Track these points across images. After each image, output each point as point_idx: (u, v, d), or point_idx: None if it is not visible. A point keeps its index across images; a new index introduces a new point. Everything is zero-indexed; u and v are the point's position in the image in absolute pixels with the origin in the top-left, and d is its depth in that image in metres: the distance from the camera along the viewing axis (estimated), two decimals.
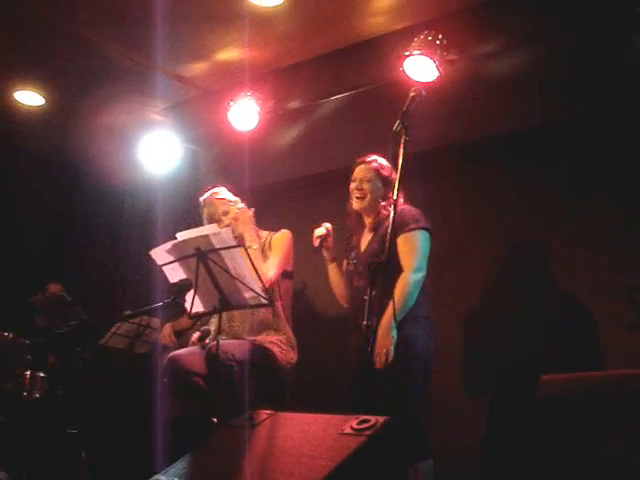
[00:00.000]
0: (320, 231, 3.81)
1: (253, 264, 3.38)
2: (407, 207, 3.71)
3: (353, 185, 3.84)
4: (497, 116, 4.37)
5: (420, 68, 4.16)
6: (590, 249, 3.99)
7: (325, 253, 3.88)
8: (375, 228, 3.77)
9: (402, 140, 3.28)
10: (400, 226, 3.56)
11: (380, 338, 3.38)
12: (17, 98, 5.53)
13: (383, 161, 3.68)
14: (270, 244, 4.16)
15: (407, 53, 4.13)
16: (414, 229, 3.60)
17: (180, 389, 3.95)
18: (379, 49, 4.56)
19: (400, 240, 3.57)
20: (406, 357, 3.44)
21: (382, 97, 4.57)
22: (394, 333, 3.41)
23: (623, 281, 3.66)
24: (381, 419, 2.36)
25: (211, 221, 4.11)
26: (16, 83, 5.39)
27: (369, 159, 3.81)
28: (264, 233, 4.26)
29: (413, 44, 4.13)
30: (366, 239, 3.83)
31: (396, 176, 3.65)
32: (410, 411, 3.37)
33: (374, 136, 4.50)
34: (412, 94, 3.37)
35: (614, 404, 2.82)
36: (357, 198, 3.81)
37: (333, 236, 3.85)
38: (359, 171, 3.84)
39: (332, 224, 3.87)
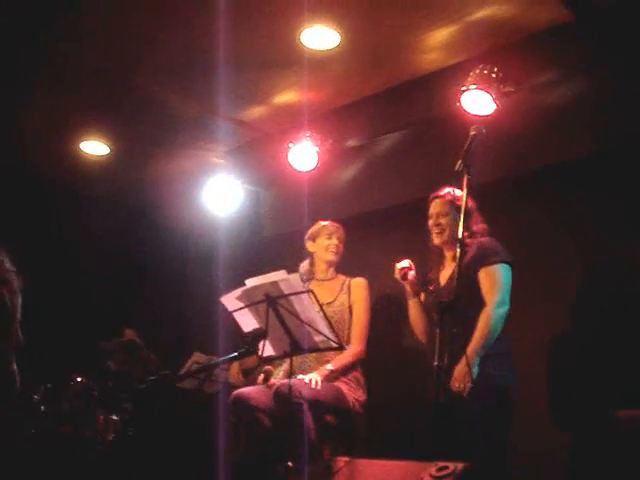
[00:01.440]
0: (403, 264, 3.85)
1: (322, 309, 3.45)
2: (487, 239, 3.73)
3: (431, 222, 3.88)
4: (554, 146, 4.34)
5: (477, 102, 4.19)
6: None
7: (408, 287, 3.89)
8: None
9: (465, 179, 3.32)
10: (481, 259, 3.62)
11: (458, 374, 3.39)
12: (83, 148, 5.70)
13: (457, 192, 3.65)
14: (350, 290, 4.29)
15: (464, 88, 4.17)
16: (495, 262, 3.61)
17: (245, 425, 3.99)
18: (435, 84, 4.59)
19: (481, 274, 3.61)
20: (488, 395, 3.43)
21: (440, 132, 4.60)
22: (475, 369, 3.41)
23: None
24: (460, 465, 2.36)
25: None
26: (81, 134, 5.56)
27: (442, 192, 3.84)
28: (341, 277, 4.42)
29: (469, 78, 4.18)
30: (447, 273, 3.83)
31: (472, 204, 3.73)
32: (491, 453, 3.35)
33: (434, 170, 4.54)
34: (472, 133, 3.41)
35: None
36: (437, 234, 3.85)
37: (414, 270, 3.87)
38: (434, 206, 3.88)
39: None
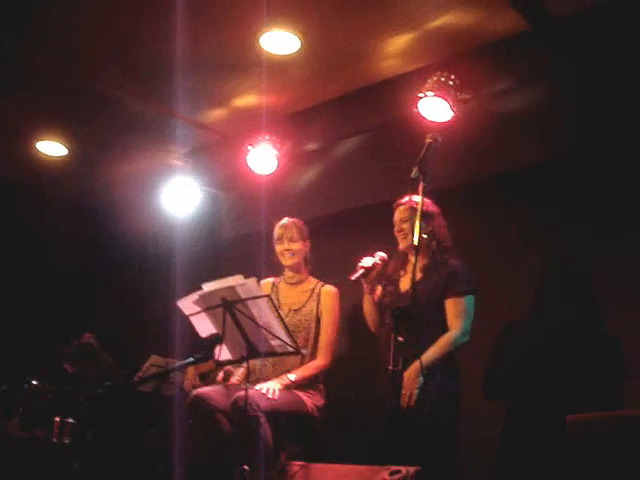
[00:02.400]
0: (366, 262, 3.83)
1: (279, 313, 3.46)
2: (458, 264, 3.81)
3: (395, 228, 3.93)
4: (510, 154, 4.42)
5: (434, 109, 4.25)
6: (611, 286, 4.00)
7: (365, 284, 3.91)
8: (425, 270, 3.81)
9: (420, 186, 3.37)
10: (451, 286, 3.72)
11: (406, 380, 3.45)
12: (39, 148, 5.65)
13: (417, 198, 3.59)
14: (319, 298, 4.24)
15: (421, 94, 4.23)
16: (465, 293, 3.72)
17: (203, 426, 3.97)
18: (393, 90, 4.64)
19: (451, 302, 3.72)
20: (430, 400, 3.50)
21: (397, 137, 4.64)
22: (421, 378, 3.49)
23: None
24: (411, 469, 2.41)
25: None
26: (38, 133, 5.51)
27: (403, 200, 3.89)
28: (312, 281, 4.35)
29: (426, 85, 4.23)
30: (408, 279, 3.85)
31: (435, 209, 3.79)
32: (441, 457, 3.42)
33: (391, 175, 4.60)
34: (428, 141, 3.46)
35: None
36: (401, 239, 3.90)
37: (380, 269, 3.88)
38: (398, 213, 3.93)
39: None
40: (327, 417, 4.09)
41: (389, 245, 4.01)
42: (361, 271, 3.81)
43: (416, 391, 3.47)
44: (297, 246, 4.30)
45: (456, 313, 3.69)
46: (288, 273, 4.38)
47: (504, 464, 4.15)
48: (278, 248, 4.33)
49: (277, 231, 4.34)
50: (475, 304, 3.75)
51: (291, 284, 4.36)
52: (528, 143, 4.37)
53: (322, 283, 4.31)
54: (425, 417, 3.48)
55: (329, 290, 4.27)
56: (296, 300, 4.27)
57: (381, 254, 3.91)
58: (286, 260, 4.31)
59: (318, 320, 4.19)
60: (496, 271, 4.38)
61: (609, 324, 3.99)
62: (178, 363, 3.22)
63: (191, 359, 3.08)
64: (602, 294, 4.04)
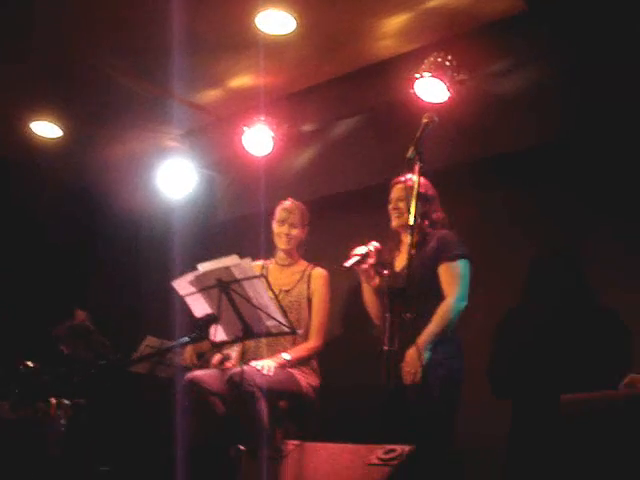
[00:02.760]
0: (360, 250, 3.80)
1: (274, 294, 3.46)
2: (447, 232, 3.79)
3: (390, 206, 3.91)
4: (508, 134, 4.41)
5: (431, 89, 4.23)
6: (602, 268, 4.01)
7: (360, 273, 3.88)
8: (417, 247, 3.73)
9: (417, 167, 3.35)
10: (442, 253, 3.69)
11: (410, 359, 3.45)
12: (34, 129, 5.61)
13: (415, 178, 3.56)
14: (309, 280, 4.24)
15: (418, 75, 4.21)
16: (457, 258, 3.68)
17: (198, 409, 3.98)
18: (389, 71, 4.61)
19: (442, 268, 3.68)
20: (435, 380, 3.50)
21: (394, 118, 4.61)
22: (427, 355, 3.49)
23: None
24: (406, 448, 2.41)
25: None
26: (32, 114, 5.46)
27: (403, 179, 3.84)
28: (303, 263, 4.36)
29: (423, 66, 4.21)
30: (403, 258, 3.83)
31: (432, 193, 3.78)
32: (440, 436, 3.43)
33: (387, 156, 4.58)
34: (425, 121, 3.44)
35: (632, 423, 2.85)
36: (395, 217, 3.88)
37: (374, 257, 3.85)
38: (394, 192, 3.91)
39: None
40: (323, 398, 4.10)
41: (385, 227, 4.01)
42: (355, 258, 3.78)
43: (420, 369, 3.45)
44: (296, 232, 4.32)
45: (450, 279, 3.66)
46: (280, 255, 4.39)
47: (505, 447, 4.17)
48: (277, 229, 4.34)
49: (280, 213, 4.35)
50: (470, 269, 3.71)
51: (282, 266, 4.37)
52: (525, 125, 4.37)
53: (312, 265, 4.32)
54: (430, 398, 3.47)
55: (319, 272, 4.28)
56: (286, 281, 4.28)
57: (375, 244, 3.87)
58: (283, 243, 4.32)
59: (309, 301, 4.21)
60: (492, 253, 4.38)
61: (607, 305, 3.98)
62: (173, 342, 3.20)
63: (186, 338, 3.07)
64: (597, 274, 4.04)
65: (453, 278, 3.66)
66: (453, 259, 3.68)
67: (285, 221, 4.31)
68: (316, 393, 4.09)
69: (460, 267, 3.69)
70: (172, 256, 5.17)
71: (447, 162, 4.49)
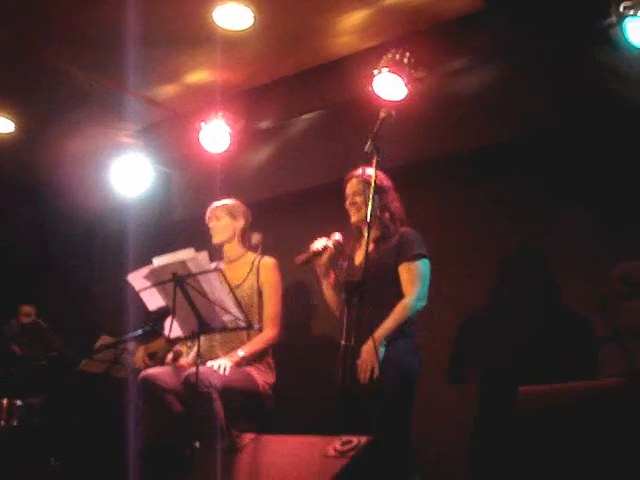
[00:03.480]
0: (317, 245, 3.77)
1: (231, 288, 3.41)
2: (409, 230, 3.77)
3: (347, 201, 3.87)
4: (466, 132, 4.43)
5: (389, 86, 4.22)
6: (565, 261, 4.05)
7: (317, 268, 3.85)
8: (377, 242, 3.75)
9: (374, 160, 3.34)
10: (403, 252, 3.67)
11: (365, 355, 3.43)
12: None
13: (370, 171, 3.53)
14: (259, 271, 4.19)
15: (376, 72, 4.20)
16: (417, 257, 3.66)
17: (153, 406, 3.92)
18: (348, 68, 4.60)
19: (403, 268, 3.67)
20: (391, 375, 3.47)
21: (352, 115, 4.60)
22: (382, 350, 3.46)
23: (597, 292, 3.73)
24: (363, 439, 2.38)
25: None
26: None
27: (357, 173, 3.82)
28: (250, 255, 4.30)
29: (381, 62, 4.20)
30: (362, 253, 3.81)
31: (387, 184, 3.76)
32: (394, 429, 3.42)
33: (345, 153, 4.57)
34: (382, 115, 3.44)
35: (589, 415, 2.87)
36: (353, 213, 3.84)
37: (333, 252, 3.80)
38: (349, 187, 3.87)
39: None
40: (279, 393, 4.07)
41: (344, 224, 3.99)
42: (308, 255, 3.75)
43: (377, 364, 3.43)
44: (222, 224, 4.28)
45: (410, 279, 3.64)
46: (225, 251, 4.34)
47: (465, 441, 4.18)
48: (209, 228, 4.34)
49: (207, 215, 4.35)
50: (430, 270, 3.70)
51: (231, 262, 4.31)
52: (483, 122, 4.39)
53: (261, 256, 4.27)
54: (382, 395, 3.46)
55: (268, 262, 4.22)
56: (236, 275, 4.19)
57: (336, 237, 3.83)
58: (213, 238, 4.31)
59: (260, 294, 4.15)
60: (450, 249, 4.40)
61: (575, 298, 4.02)
62: (127, 335, 3.14)
63: (139, 331, 3.01)
64: (565, 269, 4.08)
65: (413, 278, 3.64)
66: (413, 259, 3.67)
67: (211, 219, 4.32)
68: (272, 390, 4.05)
69: (420, 267, 3.68)
70: (127, 255, 5.09)
71: (405, 159, 4.50)
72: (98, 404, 5.13)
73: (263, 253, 4.33)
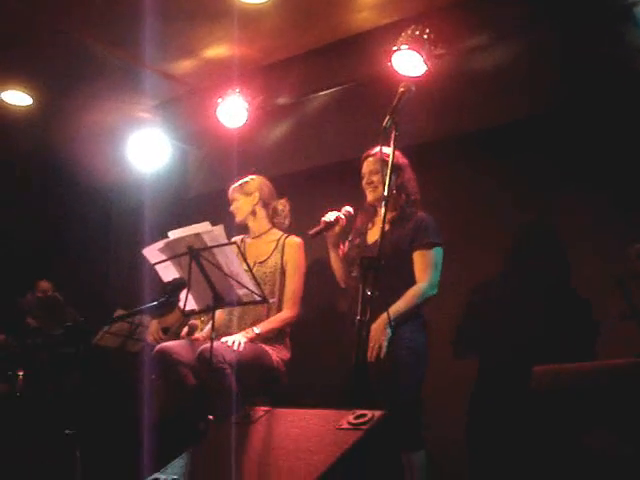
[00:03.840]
0: (329, 217, 3.77)
1: (247, 261, 3.40)
2: (425, 216, 3.77)
3: (364, 180, 3.88)
4: (484, 110, 4.39)
5: (408, 63, 4.17)
6: (579, 240, 4.02)
7: (328, 239, 3.85)
8: (393, 223, 3.75)
9: (392, 136, 3.31)
10: (418, 238, 3.68)
11: (374, 332, 3.43)
12: (4, 98, 5.49)
13: (388, 150, 3.46)
14: (283, 249, 4.20)
15: (395, 48, 4.15)
16: (432, 246, 3.68)
17: (168, 379, 3.93)
18: (367, 44, 4.56)
19: (417, 254, 3.69)
20: (400, 353, 3.50)
21: (370, 91, 4.57)
22: (389, 330, 3.46)
23: (612, 271, 3.70)
24: (377, 413, 2.38)
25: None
26: (2, 83, 5.34)
27: (373, 151, 3.82)
28: (277, 232, 4.32)
29: (400, 39, 4.15)
30: (376, 231, 3.80)
31: (404, 161, 3.75)
32: (404, 405, 3.43)
33: (364, 130, 4.52)
34: (401, 90, 3.39)
35: (605, 395, 2.85)
36: (370, 191, 3.86)
37: (344, 224, 3.82)
38: (366, 166, 3.88)
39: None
40: (294, 369, 4.07)
41: (361, 201, 3.98)
42: (320, 227, 3.76)
43: (385, 343, 3.45)
44: (239, 204, 4.33)
45: (424, 266, 3.67)
46: (251, 227, 4.37)
47: (472, 419, 4.18)
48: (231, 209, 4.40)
49: (228, 194, 4.40)
50: (443, 257, 3.72)
51: (256, 237, 4.34)
52: (503, 100, 4.35)
53: (286, 234, 4.29)
54: (393, 372, 3.47)
55: (293, 241, 4.23)
56: (261, 252, 4.23)
57: (348, 208, 3.86)
58: (236, 217, 4.35)
59: (283, 272, 4.16)
60: (468, 228, 4.38)
61: (588, 279, 3.99)
62: (143, 306, 3.14)
63: (155, 303, 3.01)
64: (576, 248, 4.05)
65: (427, 266, 3.67)
66: (429, 247, 3.69)
67: (230, 202, 4.37)
68: (286, 366, 4.06)
69: (434, 255, 3.70)
70: (143, 230, 5.09)
71: (422, 138, 4.47)
72: (113, 378, 5.17)
73: (275, 226, 4.36)
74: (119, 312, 4.92)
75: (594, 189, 4.00)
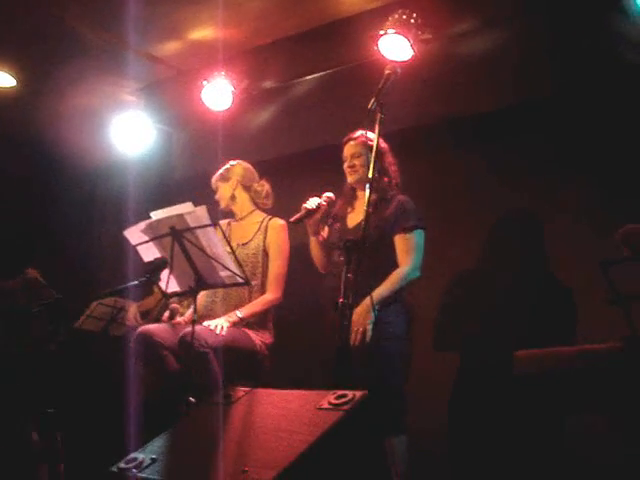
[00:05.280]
0: (310, 204, 3.76)
1: (230, 244, 3.38)
2: (406, 199, 3.76)
3: (345, 164, 3.88)
4: (472, 95, 4.37)
5: (395, 47, 4.17)
6: (566, 224, 4.03)
7: (308, 226, 3.85)
8: (374, 206, 3.68)
9: (378, 118, 3.30)
10: (400, 222, 3.68)
11: (357, 316, 3.42)
12: None
13: (370, 134, 3.55)
14: (266, 231, 4.19)
15: (382, 32, 4.14)
16: (414, 228, 3.68)
17: (150, 362, 3.93)
18: (354, 28, 4.52)
19: (399, 238, 3.69)
20: (382, 338, 3.50)
21: (357, 76, 4.54)
22: (373, 314, 3.45)
23: (599, 256, 3.70)
24: (358, 393, 2.38)
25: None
26: None
27: (355, 135, 3.83)
28: (260, 214, 4.32)
29: (387, 23, 4.14)
30: (356, 216, 3.82)
31: (385, 146, 3.74)
32: (386, 389, 3.43)
33: (349, 115, 4.45)
34: (387, 72, 3.40)
35: (586, 379, 2.86)
36: (350, 174, 3.85)
37: (325, 210, 3.82)
38: (348, 149, 3.87)
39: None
40: (276, 353, 4.06)
41: (342, 186, 3.97)
42: (302, 213, 3.75)
43: (370, 327, 3.44)
44: (220, 192, 4.38)
45: (406, 249, 3.66)
46: (235, 212, 4.41)
47: (454, 406, 4.19)
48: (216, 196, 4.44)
49: (212, 181, 4.46)
50: (425, 239, 3.72)
51: (239, 219, 4.37)
52: (490, 86, 4.34)
53: (270, 217, 4.29)
54: (374, 357, 3.47)
55: (276, 223, 4.23)
56: (244, 234, 4.24)
57: (328, 194, 3.85)
58: (221, 204, 4.40)
59: (266, 254, 4.15)
60: (456, 213, 4.37)
61: (576, 264, 3.97)
62: (120, 286, 3.11)
63: (135, 282, 2.98)
64: (563, 232, 4.05)
65: (409, 248, 3.67)
66: (410, 229, 3.69)
67: (215, 191, 4.42)
68: (269, 350, 4.05)
69: (416, 238, 3.70)
70: (127, 213, 5.05)
71: (408, 122, 4.45)
72: (95, 361, 5.14)
73: (258, 208, 4.37)
74: (102, 292, 4.87)
75: (581, 174, 4.01)
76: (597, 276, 3.49)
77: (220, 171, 4.40)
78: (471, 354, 4.24)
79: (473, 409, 4.10)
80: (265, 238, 4.17)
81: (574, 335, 3.83)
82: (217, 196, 4.39)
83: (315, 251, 3.95)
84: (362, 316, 3.46)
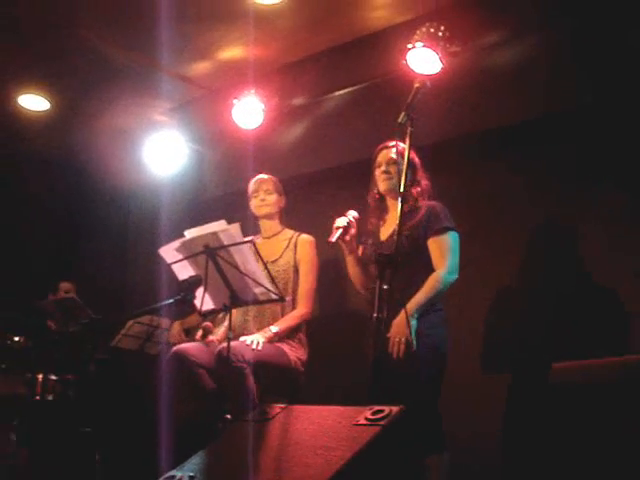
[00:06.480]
0: (342, 222, 3.66)
1: (262, 260, 3.39)
2: (436, 204, 3.71)
3: (379, 170, 3.81)
4: (500, 108, 4.35)
5: (423, 61, 4.17)
6: (599, 234, 3.97)
7: (344, 245, 3.77)
8: (405, 215, 3.66)
9: (407, 132, 3.29)
10: (431, 226, 3.62)
11: (397, 328, 3.39)
12: (21, 103, 5.53)
13: (403, 145, 3.45)
14: (296, 247, 4.19)
15: (410, 46, 4.14)
16: (446, 231, 3.62)
17: (185, 381, 3.92)
18: (382, 43, 4.56)
19: (432, 242, 3.62)
20: (422, 349, 3.43)
21: (386, 90, 4.56)
22: (414, 322, 3.43)
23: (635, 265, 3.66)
24: (395, 409, 2.36)
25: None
26: (20, 87, 5.38)
27: (391, 144, 3.76)
28: (288, 232, 4.31)
29: (416, 37, 4.14)
30: (388, 228, 3.78)
31: (418, 161, 3.72)
32: (425, 403, 3.38)
33: (379, 130, 4.48)
34: (416, 85, 3.38)
35: (625, 391, 2.81)
36: (384, 180, 3.78)
37: (356, 226, 3.73)
38: (383, 155, 3.81)
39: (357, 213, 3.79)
40: (312, 369, 4.05)
41: (365, 205, 3.94)
42: (339, 232, 3.66)
43: (412, 337, 3.40)
44: (272, 198, 4.29)
45: (440, 252, 3.59)
46: (264, 226, 4.35)
47: (493, 417, 4.14)
48: (253, 202, 4.32)
49: (252, 186, 4.34)
50: (459, 242, 3.65)
51: (267, 238, 4.32)
52: (518, 98, 4.30)
53: (298, 233, 4.28)
54: (410, 369, 3.43)
55: (306, 239, 4.22)
56: (272, 252, 4.20)
57: (353, 213, 3.75)
58: (261, 210, 4.29)
59: (296, 270, 4.15)
60: (486, 226, 4.34)
61: (608, 273, 3.93)
62: (156, 304, 3.14)
63: (171, 300, 3.01)
64: (596, 242, 4.01)
65: (443, 251, 3.60)
66: (443, 232, 3.62)
67: (258, 190, 4.30)
68: (304, 366, 4.05)
69: (450, 240, 3.62)
70: (160, 233, 5.10)
71: (438, 136, 4.43)
72: (131, 380, 5.17)
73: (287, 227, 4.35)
74: (137, 312, 4.92)
75: (612, 185, 3.95)
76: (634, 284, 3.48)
77: (272, 177, 4.33)
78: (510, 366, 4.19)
79: (518, 422, 4.03)
80: (295, 254, 4.17)
81: (614, 346, 3.77)
82: (263, 198, 4.26)
83: (352, 270, 3.87)
84: (401, 327, 3.40)
